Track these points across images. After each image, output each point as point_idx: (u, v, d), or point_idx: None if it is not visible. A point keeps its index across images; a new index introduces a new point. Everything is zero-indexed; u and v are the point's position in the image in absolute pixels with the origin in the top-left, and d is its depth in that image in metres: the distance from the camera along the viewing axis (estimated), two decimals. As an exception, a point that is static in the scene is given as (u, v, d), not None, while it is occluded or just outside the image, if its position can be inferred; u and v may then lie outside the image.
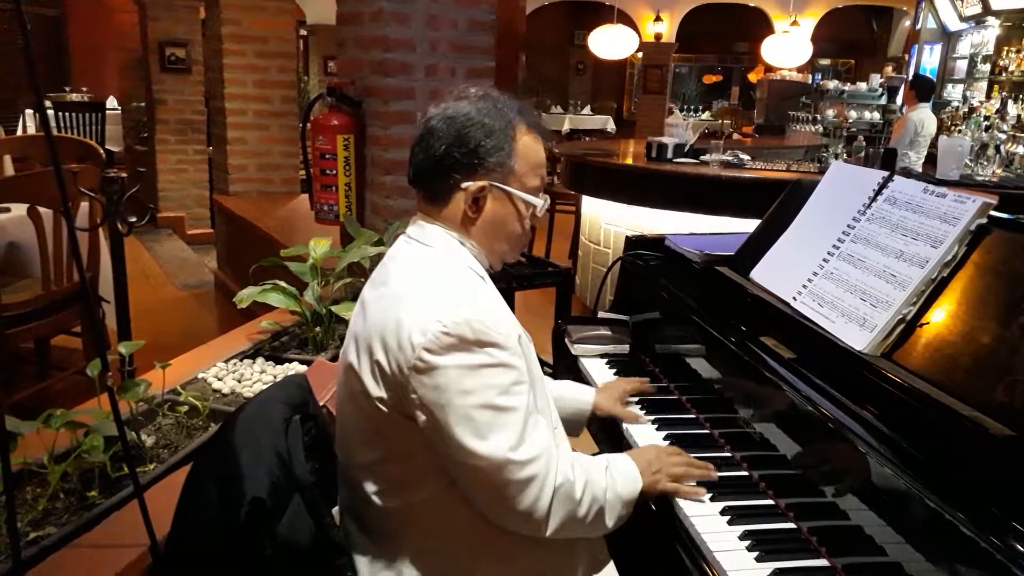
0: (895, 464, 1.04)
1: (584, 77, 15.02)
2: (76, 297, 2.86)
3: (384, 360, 1.11)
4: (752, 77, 12.37)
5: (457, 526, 1.18)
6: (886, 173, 1.52)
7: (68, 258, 2.79)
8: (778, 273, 1.61)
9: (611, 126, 12.08)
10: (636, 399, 1.65)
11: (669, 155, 4.28)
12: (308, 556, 1.09)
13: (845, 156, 4.94)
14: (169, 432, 1.66)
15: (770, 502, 1.29)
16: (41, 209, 2.68)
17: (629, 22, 10.47)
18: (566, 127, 11.25)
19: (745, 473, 1.38)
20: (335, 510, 1.31)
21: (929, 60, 9.26)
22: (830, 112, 6.68)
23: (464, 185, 1.20)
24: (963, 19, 8.77)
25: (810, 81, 10.32)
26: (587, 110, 12.57)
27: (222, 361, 2.05)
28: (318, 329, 2.22)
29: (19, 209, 2.94)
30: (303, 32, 11.40)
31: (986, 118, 6.23)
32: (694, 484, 1.31)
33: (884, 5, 11.68)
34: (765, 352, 1.41)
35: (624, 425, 1.56)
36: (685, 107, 10.47)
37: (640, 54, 11.16)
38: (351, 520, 1.27)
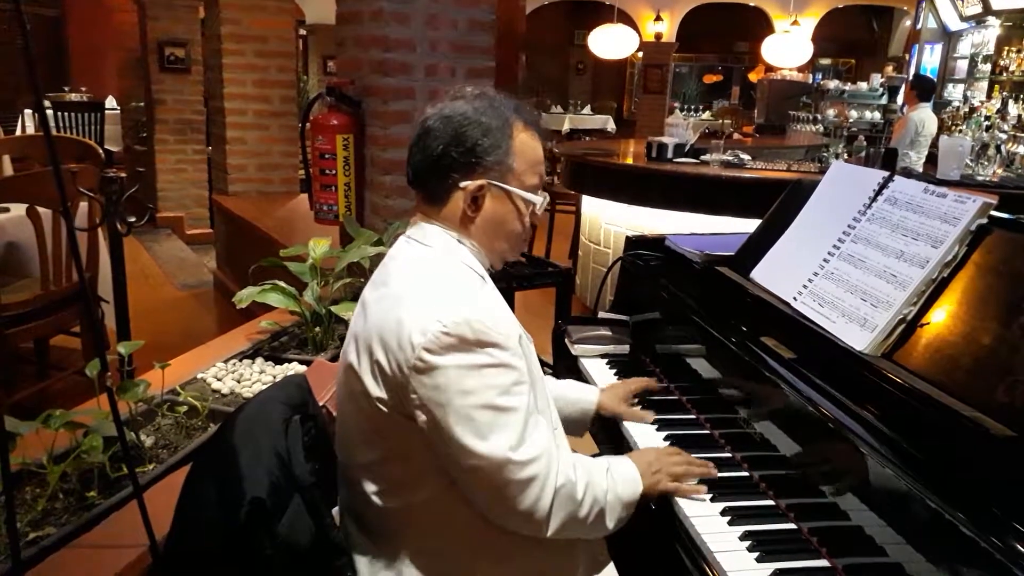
0: (896, 464, 1.04)
1: (584, 77, 15.02)
2: (75, 297, 2.86)
3: (384, 360, 1.11)
4: (752, 77, 12.36)
5: (457, 526, 1.18)
6: (886, 173, 1.52)
7: (67, 258, 2.79)
8: (778, 273, 1.61)
9: (611, 126, 12.07)
10: (635, 399, 1.65)
11: (669, 155, 4.27)
12: (308, 556, 1.08)
13: (846, 156, 4.95)
14: (168, 432, 1.66)
15: (771, 502, 1.28)
16: (40, 209, 2.68)
17: (629, 22, 10.47)
18: (566, 127, 11.25)
19: (745, 473, 1.37)
20: (335, 510, 1.31)
21: (930, 60, 9.26)
22: (831, 112, 6.68)
23: (463, 184, 1.20)
24: (963, 19, 8.76)
25: (811, 81, 10.32)
26: (587, 110, 12.57)
27: (221, 361, 2.05)
28: (317, 329, 2.22)
29: (18, 209, 2.94)
30: (302, 32, 11.40)
31: (987, 118, 6.23)
32: (695, 483, 1.31)
33: (884, 5, 11.68)
34: (765, 352, 1.40)
35: (624, 425, 1.56)
36: (686, 107, 10.46)
37: (640, 54, 11.16)
38: (351, 520, 1.27)
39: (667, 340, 1.81)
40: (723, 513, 1.24)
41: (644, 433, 1.53)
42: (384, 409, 1.13)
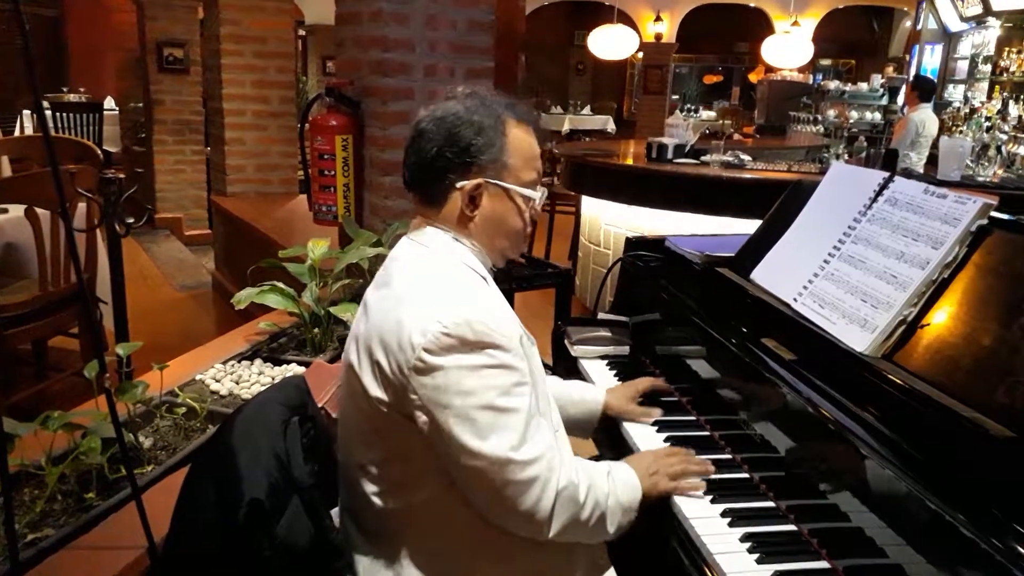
0: (896, 466, 1.04)
1: (584, 77, 15.02)
2: (74, 298, 2.86)
3: (384, 361, 1.11)
4: (753, 77, 12.36)
5: (457, 526, 1.18)
6: (887, 174, 1.52)
7: (65, 259, 2.79)
8: (779, 274, 1.60)
9: (611, 126, 12.07)
10: (641, 400, 1.64)
11: (669, 155, 4.27)
12: (307, 558, 1.08)
13: (846, 157, 4.95)
14: (167, 434, 1.65)
15: (771, 504, 1.28)
16: (39, 210, 2.68)
17: (629, 22, 10.47)
18: (566, 127, 11.25)
19: (746, 475, 1.37)
20: (334, 512, 1.31)
21: (930, 61, 9.27)
22: (831, 113, 6.68)
23: (459, 185, 1.19)
24: (964, 20, 8.77)
25: (811, 81, 10.32)
26: (587, 110, 12.57)
27: (220, 362, 2.05)
28: (316, 330, 2.22)
29: (16, 210, 2.94)
30: (301, 32, 11.40)
31: (987, 119, 6.23)
32: (694, 481, 1.31)
33: (885, 5, 11.69)
34: (766, 353, 1.40)
35: (624, 426, 1.56)
36: (687, 107, 10.47)
37: (640, 54, 11.16)
38: (351, 521, 1.26)
39: (667, 341, 1.81)
40: (723, 515, 1.24)
41: (644, 434, 1.53)
42: (384, 410, 1.13)
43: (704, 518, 1.24)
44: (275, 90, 4.91)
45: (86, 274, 2.87)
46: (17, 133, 7.33)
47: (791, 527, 1.22)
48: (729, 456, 1.43)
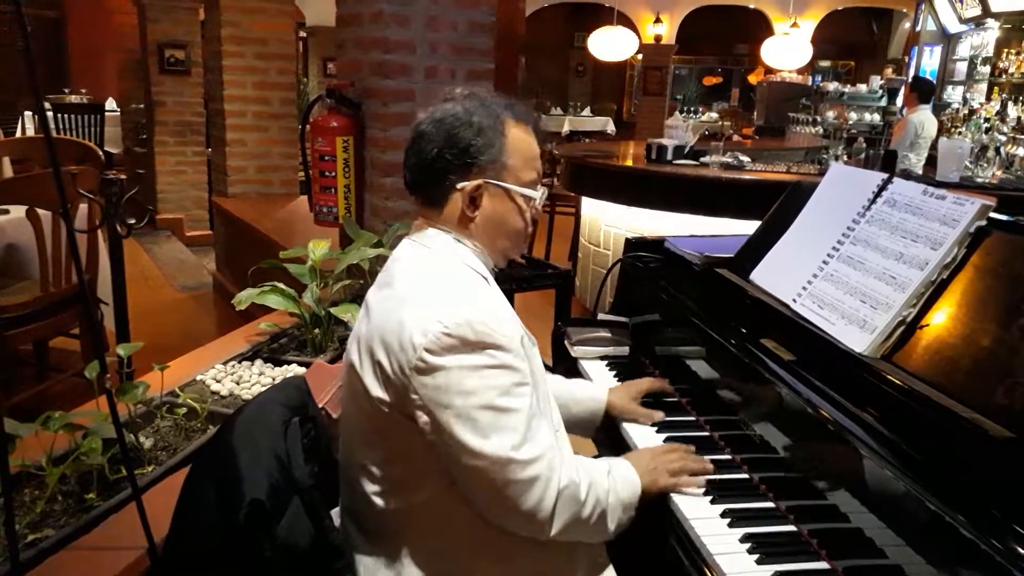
0: (895, 466, 1.04)
1: (584, 79, 15.03)
2: (75, 299, 2.86)
3: (385, 361, 1.11)
4: (752, 79, 12.36)
5: (457, 526, 1.18)
6: (886, 175, 1.52)
7: (67, 260, 2.79)
8: (778, 275, 1.61)
9: (611, 128, 12.08)
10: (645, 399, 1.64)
11: (669, 157, 4.28)
12: (307, 558, 1.08)
13: (845, 158, 4.94)
14: (167, 434, 1.66)
15: (770, 504, 1.28)
16: (40, 211, 2.68)
17: (629, 24, 10.47)
18: (566, 129, 11.25)
19: (745, 476, 1.37)
20: (334, 512, 1.31)
21: (929, 62, 9.27)
22: (830, 114, 6.69)
23: (460, 186, 1.20)
24: (963, 21, 8.78)
25: (810, 83, 10.32)
26: (587, 112, 12.58)
27: (220, 363, 2.05)
28: (317, 331, 2.22)
29: (18, 211, 2.94)
30: (302, 34, 11.41)
31: (986, 120, 6.24)
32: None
33: (884, 7, 11.69)
34: (765, 354, 1.40)
35: (623, 427, 1.56)
36: (686, 109, 10.47)
37: (640, 56, 11.17)
38: (351, 521, 1.27)
39: (667, 342, 1.81)
40: (723, 515, 1.24)
41: (644, 435, 1.53)
42: (385, 410, 1.13)
43: (704, 518, 1.24)
44: (276, 91, 4.92)
45: (87, 275, 2.87)
46: (18, 134, 7.35)
47: (791, 528, 1.22)
48: (729, 457, 1.43)
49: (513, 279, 2.81)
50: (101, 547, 1.27)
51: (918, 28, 9.45)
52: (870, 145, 5.41)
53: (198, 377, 1.95)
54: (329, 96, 2.87)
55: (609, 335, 1.97)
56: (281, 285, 2.22)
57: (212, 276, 5.33)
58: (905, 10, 10.93)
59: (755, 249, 1.72)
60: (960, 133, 6.28)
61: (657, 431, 1.54)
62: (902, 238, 1.37)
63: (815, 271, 1.50)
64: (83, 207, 2.85)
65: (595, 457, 1.33)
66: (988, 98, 7.92)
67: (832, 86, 9.38)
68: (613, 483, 1.22)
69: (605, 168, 4.38)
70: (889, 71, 10.61)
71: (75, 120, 7.26)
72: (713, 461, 1.37)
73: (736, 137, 6.37)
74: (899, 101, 8.46)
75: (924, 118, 5.68)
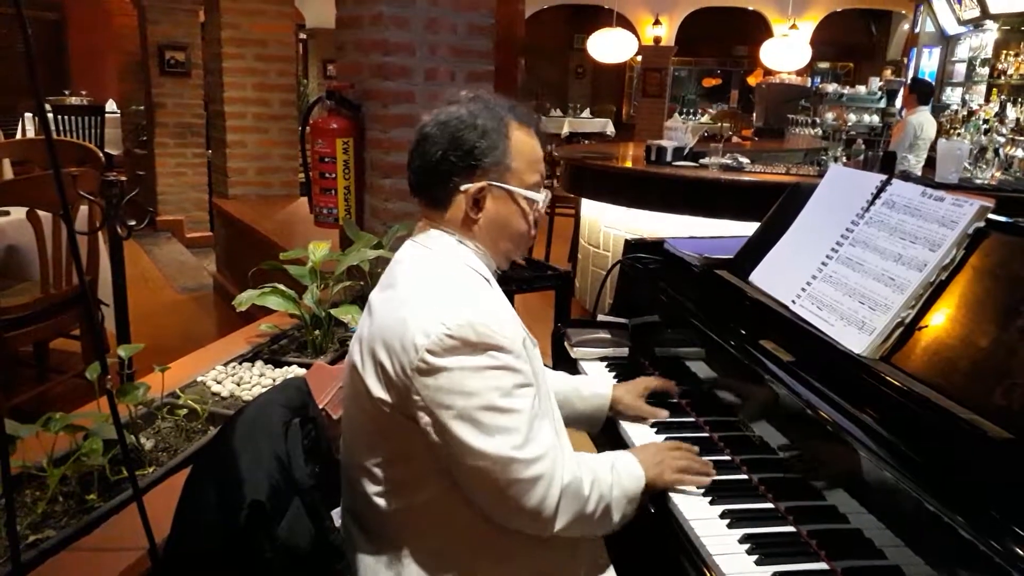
0: (894, 467, 1.05)
1: (583, 80, 15.04)
2: (75, 300, 2.86)
3: (387, 362, 1.12)
4: (751, 80, 12.37)
5: (458, 527, 1.18)
6: (884, 176, 1.53)
7: (67, 261, 2.79)
8: (777, 276, 1.61)
9: (610, 129, 12.09)
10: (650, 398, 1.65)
11: (668, 158, 4.28)
12: (307, 559, 1.08)
13: (844, 159, 4.94)
14: (168, 435, 1.66)
15: (770, 505, 1.29)
16: (40, 212, 2.68)
17: (628, 26, 10.48)
18: (565, 130, 11.27)
19: (744, 476, 1.38)
20: (335, 513, 1.31)
21: (928, 64, 9.28)
22: (829, 115, 6.68)
23: (463, 188, 1.20)
24: (961, 23, 8.78)
25: (809, 84, 10.32)
26: (586, 113, 12.59)
27: (221, 364, 2.05)
28: (317, 332, 2.22)
29: (18, 212, 2.94)
30: (302, 36, 11.42)
31: (985, 121, 6.24)
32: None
33: (883, 9, 11.70)
34: (764, 355, 1.41)
35: (622, 426, 1.56)
36: (685, 110, 10.48)
37: (639, 57, 11.18)
38: (352, 521, 1.27)
39: (666, 343, 1.81)
40: (722, 516, 1.25)
41: (643, 435, 1.53)
42: (387, 411, 1.13)
43: (703, 519, 1.24)
44: (276, 93, 4.92)
45: (88, 276, 2.87)
46: (19, 136, 7.36)
47: (790, 528, 1.22)
48: (728, 457, 1.44)
49: (513, 280, 2.81)
50: (102, 548, 1.27)
51: (917, 30, 9.46)
52: (869, 147, 5.40)
53: (199, 378, 1.96)
54: (329, 98, 2.87)
55: (609, 336, 1.97)
56: (281, 286, 2.22)
57: (212, 277, 5.34)
58: (904, 12, 10.94)
59: (754, 250, 1.72)
60: (959, 134, 6.29)
61: (656, 431, 1.54)
62: (901, 239, 1.38)
63: (814, 272, 1.51)
64: (83, 209, 2.85)
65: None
66: (987, 99, 7.92)
67: (831, 88, 9.37)
68: (617, 477, 1.22)
69: (605, 170, 4.38)
70: (888, 73, 10.62)
71: (75, 122, 7.27)
72: (713, 462, 1.37)
73: (735, 139, 6.38)
74: (898, 103, 8.45)
75: (923, 119, 5.68)
